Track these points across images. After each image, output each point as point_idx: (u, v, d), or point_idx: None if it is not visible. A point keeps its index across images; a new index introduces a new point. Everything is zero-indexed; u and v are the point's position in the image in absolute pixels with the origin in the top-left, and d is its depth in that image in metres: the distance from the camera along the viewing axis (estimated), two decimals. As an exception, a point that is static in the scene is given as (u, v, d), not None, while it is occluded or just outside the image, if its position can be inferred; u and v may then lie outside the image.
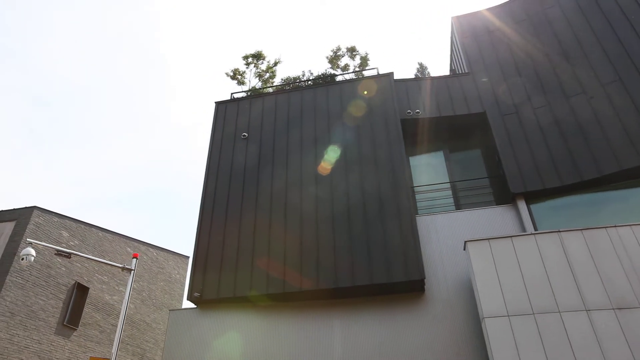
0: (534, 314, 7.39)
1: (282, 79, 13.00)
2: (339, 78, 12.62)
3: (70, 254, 8.85)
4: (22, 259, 8.02)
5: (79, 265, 17.71)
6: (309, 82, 12.79)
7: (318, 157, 10.68)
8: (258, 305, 9.45)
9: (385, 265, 8.83)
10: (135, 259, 9.82)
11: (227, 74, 13.85)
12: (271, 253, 9.52)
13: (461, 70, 12.97)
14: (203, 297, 9.23)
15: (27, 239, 8.51)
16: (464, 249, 8.59)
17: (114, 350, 8.58)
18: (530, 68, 11.19)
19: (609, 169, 9.04)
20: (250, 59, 13.60)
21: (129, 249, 21.50)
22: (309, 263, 9.21)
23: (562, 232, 8.03)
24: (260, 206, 10.22)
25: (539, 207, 9.63)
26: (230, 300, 9.36)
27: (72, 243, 17.48)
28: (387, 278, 8.69)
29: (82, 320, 17.27)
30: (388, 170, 10.01)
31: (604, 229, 7.90)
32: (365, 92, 11.27)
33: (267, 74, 13.61)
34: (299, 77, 12.75)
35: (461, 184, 10.85)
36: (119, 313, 19.74)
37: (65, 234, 17.19)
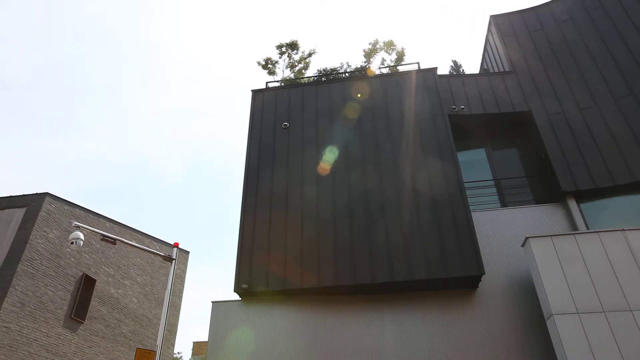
0: (604, 311, 7.30)
1: (318, 70, 12.73)
2: (377, 72, 12.41)
3: (115, 240, 8.39)
4: (72, 242, 7.55)
5: (87, 256, 17.03)
6: (347, 74, 12.55)
7: (364, 149, 10.44)
8: (304, 299, 9.15)
9: (442, 260, 8.65)
10: (176, 249, 9.40)
11: (258, 63, 13.52)
12: (321, 245, 9.24)
13: (496, 69, 12.93)
14: (251, 289, 8.88)
15: (74, 223, 8.02)
16: (523, 246, 8.47)
17: (158, 342, 8.15)
18: (574, 68, 11.20)
19: None
20: (284, 48, 13.27)
21: (133, 241, 20.85)
22: (362, 256, 8.96)
23: (626, 231, 7.98)
24: (307, 197, 9.92)
25: (589, 206, 9.59)
26: (276, 293, 9.04)
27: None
28: (445, 273, 8.51)
29: (88, 314, 16.61)
30: (438, 165, 9.84)
31: None
32: (412, 86, 11.09)
33: (300, 65, 13.31)
34: (336, 69, 12.49)
35: (505, 182, 10.77)
36: (124, 307, 19.12)
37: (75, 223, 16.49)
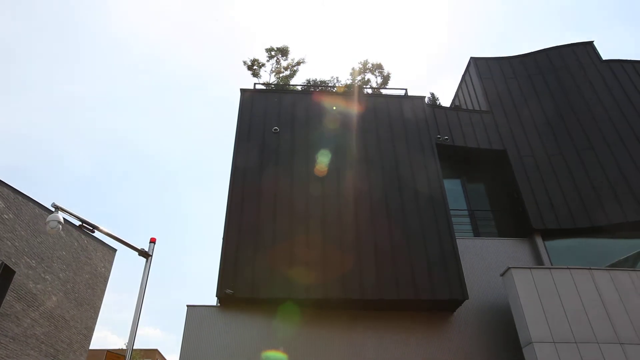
0: (576, 342, 7.93)
1: (307, 80, 12.64)
2: (364, 92, 12.64)
3: (94, 228, 7.47)
4: (46, 225, 6.57)
5: (9, 243, 14.98)
6: (334, 89, 12.61)
7: (354, 163, 10.50)
8: (287, 309, 8.83)
9: (429, 282, 8.87)
10: (152, 244, 8.61)
11: (244, 62, 13.14)
12: (310, 255, 9.04)
13: (470, 105, 13.81)
14: (236, 295, 8.38)
15: (53, 202, 7.01)
16: (502, 275, 8.97)
17: (129, 345, 7.33)
18: (543, 117, 12.30)
19: (617, 219, 10.20)
20: (273, 52, 13.05)
21: (62, 233, 18.77)
22: (351, 270, 8.90)
23: (592, 270, 8.80)
24: (296, 205, 9.69)
25: (552, 244, 10.47)
26: (261, 301, 8.64)
27: (6, 216, 14.86)
28: (432, 295, 8.73)
29: (1, 309, 14.52)
30: (426, 191, 10.17)
31: (627, 271, 8.84)
32: (401, 111, 11.43)
33: (287, 72, 13.16)
34: (326, 81, 12.51)
35: (478, 212, 11.40)
36: (40, 305, 17.05)
37: (1, 204, 14.58)
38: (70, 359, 19.64)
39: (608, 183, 10.77)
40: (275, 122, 11.06)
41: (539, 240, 10.44)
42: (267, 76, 13.31)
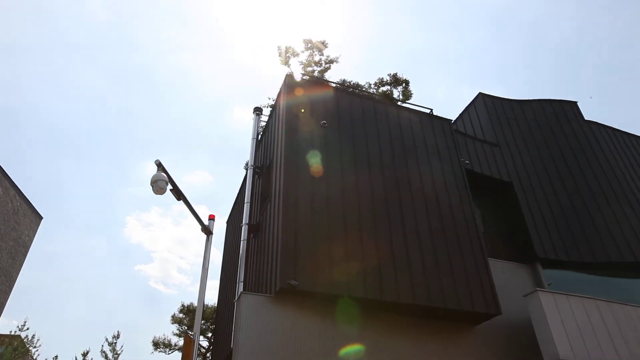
0: (593, 361, 9.00)
1: (344, 80, 12.64)
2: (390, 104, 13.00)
3: (181, 195, 6.61)
4: (152, 185, 5.66)
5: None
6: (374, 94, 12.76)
7: (385, 176, 10.70)
8: (338, 306, 8.68)
9: (468, 295, 9.38)
10: (212, 221, 7.88)
11: (278, 47, 12.72)
12: (364, 254, 9.02)
13: (470, 133, 14.92)
14: (296, 288, 8.02)
15: (157, 160, 6.04)
16: (526, 296, 9.86)
17: (196, 328, 6.59)
18: (542, 161, 13.77)
19: (616, 258, 11.81)
20: (310, 45, 12.84)
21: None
22: (402, 275, 9.07)
23: (597, 300, 10.09)
24: (348, 203, 9.61)
25: (550, 273, 11.73)
26: (313, 295, 8.39)
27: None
28: (471, 307, 9.25)
29: None
30: (457, 210, 10.78)
31: (621, 305, 10.28)
32: (430, 130, 11.97)
33: (319, 67, 13.04)
34: (362, 85, 12.63)
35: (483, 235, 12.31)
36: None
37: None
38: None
39: (593, 225, 12.41)
40: (322, 115, 10.85)
41: (539, 268, 11.62)
42: (296, 68, 13.03)
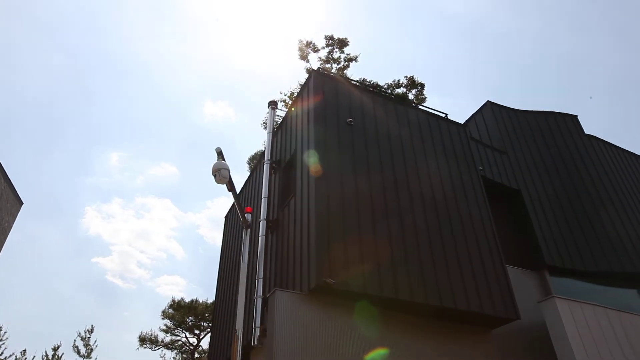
0: (606, 367, 9.27)
1: (363, 79, 12.56)
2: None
3: (232, 187, 6.33)
4: (214, 175, 5.38)
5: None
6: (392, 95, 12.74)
7: (410, 177, 10.72)
8: (367, 306, 8.59)
9: (489, 299, 9.48)
10: (249, 214, 7.62)
11: (300, 41, 12.54)
12: (394, 254, 8.97)
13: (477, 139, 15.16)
14: (335, 287, 7.88)
15: (217, 147, 5.74)
16: (540, 301, 10.07)
17: (238, 325, 6.34)
18: (544, 168, 14.13)
19: (616, 267, 12.22)
20: (330, 41, 12.72)
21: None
22: (428, 277, 9.07)
23: (607, 309, 10.41)
24: (376, 204, 9.54)
25: (556, 280, 12.03)
26: (347, 294, 8.27)
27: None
28: (492, 311, 9.35)
29: None
30: (475, 215, 10.90)
31: (629, 314, 10.66)
32: (445, 136, 12.06)
33: (338, 65, 12.94)
34: (382, 86, 12.60)
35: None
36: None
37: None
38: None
39: (616, 232, 12.83)
40: (347, 112, 10.74)
41: (546, 274, 11.90)
42: (315, 63, 12.87)
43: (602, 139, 15.96)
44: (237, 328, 6.56)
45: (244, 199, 14.42)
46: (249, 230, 7.51)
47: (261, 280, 9.68)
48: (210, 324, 17.88)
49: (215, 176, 5.46)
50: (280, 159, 11.81)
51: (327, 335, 7.91)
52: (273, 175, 11.73)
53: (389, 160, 10.57)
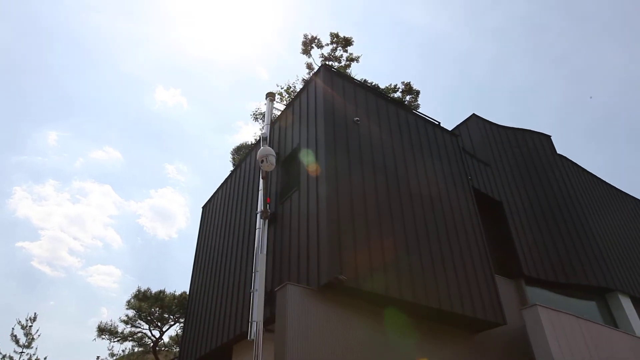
0: (580, 373, 9.87)
1: (364, 80, 12.63)
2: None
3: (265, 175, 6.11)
4: (262, 161, 5.16)
5: None
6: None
7: (411, 180, 10.93)
8: (368, 308, 8.63)
9: (481, 303, 9.84)
10: (268, 204, 7.42)
11: (305, 36, 12.43)
12: (409, 257, 9.08)
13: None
14: (346, 284, 7.85)
15: (263, 132, 5.47)
16: (523, 308, 10.56)
17: (256, 317, 6.15)
18: (522, 184, 14.87)
19: (583, 281, 13.03)
20: (335, 39, 12.71)
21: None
22: (428, 278, 9.26)
23: (579, 319, 11.10)
24: (381, 206, 9.62)
25: (531, 290, 12.68)
26: (355, 292, 8.28)
27: None
28: (483, 315, 9.70)
29: None
30: (467, 223, 11.27)
31: (610, 328, 11.44)
32: (437, 142, 12.39)
33: (339, 64, 12.97)
34: (382, 89, 12.73)
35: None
36: None
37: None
38: None
39: (565, 250, 13.66)
40: (353, 110, 10.76)
41: (523, 284, 12.51)
42: (317, 59, 12.80)
43: (571, 160, 17.00)
44: (255, 320, 6.36)
45: (233, 189, 14.05)
46: (267, 220, 7.31)
47: (257, 274, 9.46)
48: (177, 317, 17.26)
49: (262, 162, 5.24)
50: (279, 152, 11.62)
51: (336, 331, 7.85)
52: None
53: (392, 162, 10.70)
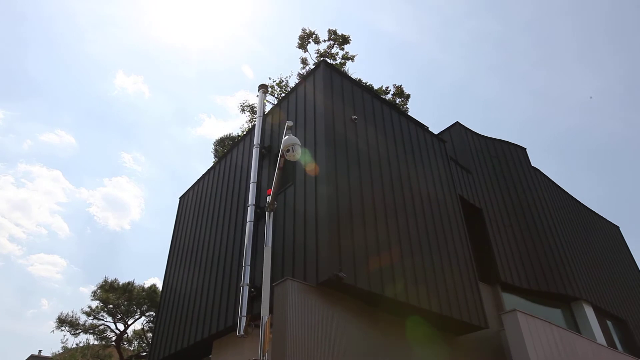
0: (554, 378, 10.26)
1: (359, 79, 12.61)
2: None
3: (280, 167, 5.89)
4: (288, 150, 4.94)
5: None
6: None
7: (403, 182, 11.01)
8: (365, 309, 8.59)
9: (466, 306, 10.03)
10: (269, 196, 7.21)
11: (303, 30, 12.25)
12: (402, 257, 9.09)
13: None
14: (345, 282, 7.76)
15: (289, 121, 5.24)
16: (503, 313, 10.87)
17: (263, 312, 5.93)
18: (500, 193, 15.33)
19: (552, 289, 13.56)
20: (333, 36, 12.63)
21: None
22: (420, 281, 9.34)
23: (552, 325, 11.55)
24: (376, 204, 9.61)
25: (506, 296, 13.07)
26: (352, 290, 8.22)
27: None
28: (468, 318, 9.89)
29: None
30: (453, 228, 11.48)
31: (576, 335, 11.94)
32: (426, 147, 12.58)
33: (335, 61, 12.91)
34: (377, 90, 12.75)
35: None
36: None
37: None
38: None
39: (537, 258, 14.19)
40: (351, 108, 10.70)
41: (499, 290, 12.88)
42: (312, 55, 12.66)
43: (544, 173, 17.71)
44: (262, 314, 6.15)
45: (216, 181, 13.65)
46: (272, 213, 7.10)
47: (248, 268, 9.23)
48: (143, 310, 16.58)
49: (288, 152, 5.05)
50: (271, 144, 11.39)
51: (333, 327, 7.75)
52: (262, 161, 11.27)
53: (387, 162, 10.72)
